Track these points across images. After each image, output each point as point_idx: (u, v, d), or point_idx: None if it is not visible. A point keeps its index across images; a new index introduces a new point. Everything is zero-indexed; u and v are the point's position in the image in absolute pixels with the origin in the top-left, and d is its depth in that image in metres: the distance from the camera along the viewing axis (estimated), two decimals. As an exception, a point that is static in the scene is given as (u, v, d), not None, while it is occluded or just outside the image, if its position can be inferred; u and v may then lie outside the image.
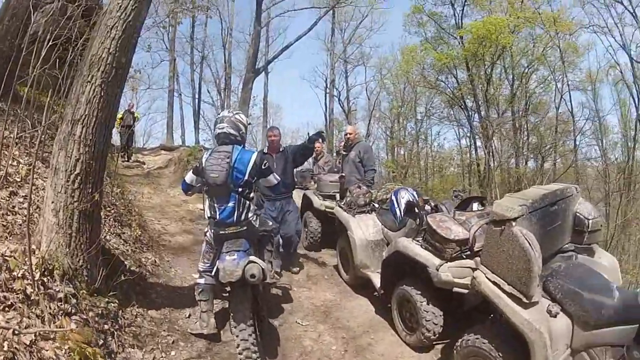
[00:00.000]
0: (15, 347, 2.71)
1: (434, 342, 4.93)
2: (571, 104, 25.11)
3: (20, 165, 5.61)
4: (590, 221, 4.53)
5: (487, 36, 22.81)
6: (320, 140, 7.32)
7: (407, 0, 41.72)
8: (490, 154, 22.32)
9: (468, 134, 29.19)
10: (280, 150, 7.13)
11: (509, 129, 24.61)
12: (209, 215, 4.54)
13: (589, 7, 24.81)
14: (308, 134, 6.78)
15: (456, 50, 26.69)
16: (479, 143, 26.61)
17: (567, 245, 4.53)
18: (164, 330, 4.82)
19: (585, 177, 23.53)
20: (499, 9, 25.91)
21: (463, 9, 27.62)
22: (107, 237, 5.95)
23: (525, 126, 25.69)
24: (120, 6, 4.32)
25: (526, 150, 25.08)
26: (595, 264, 4.38)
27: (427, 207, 5.74)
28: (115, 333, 4.09)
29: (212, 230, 4.56)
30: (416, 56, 28.96)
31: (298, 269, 7.27)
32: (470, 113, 27.35)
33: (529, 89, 25.97)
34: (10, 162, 5.26)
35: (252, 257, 4.16)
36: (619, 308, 3.43)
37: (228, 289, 4.42)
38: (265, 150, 7.29)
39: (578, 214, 4.58)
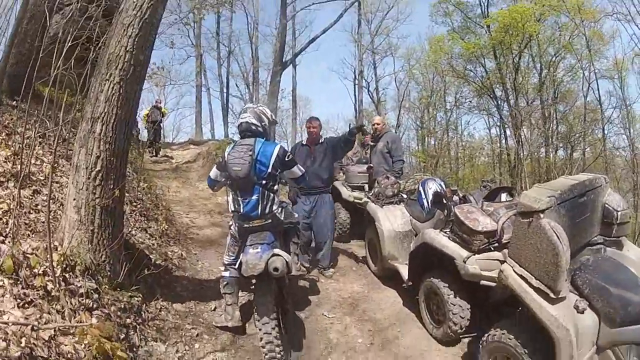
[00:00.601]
0: (34, 343, 2.73)
1: (461, 336, 4.85)
2: (599, 93, 24.50)
3: (44, 164, 5.72)
4: (619, 213, 4.42)
5: (514, 24, 22.72)
6: (361, 133, 7.11)
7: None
8: (520, 143, 22.04)
9: (498, 123, 28.96)
10: (320, 142, 6.83)
11: (538, 118, 24.22)
12: (232, 208, 4.52)
13: None
14: (349, 125, 6.67)
15: (483, 39, 26.52)
16: (508, 132, 26.41)
17: (595, 238, 4.43)
18: (189, 324, 4.83)
19: (614, 166, 23.01)
20: (524, -4, 25.61)
21: (489, -2, 27.34)
22: (133, 232, 6.03)
23: (554, 115, 25.34)
24: (136, 5, 4.35)
25: (555, 140, 24.66)
26: (624, 258, 4.28)
27: (455, 198, 5.67)
28: (138, 327, 4.11)
29: (237, 224, 4.56)
30: (444, 46, 28.83)
31: (332, 270, 6.90)
32: (499, 102, 27.10)
33: (557, 77, 25.61)
34: (33, 162, 5.36)
35: (276, 250, 4.13)
36: None
37: (253, 281, 4.38)
38: (304, 142, 7.02)
39: (607, 206, 4.47)
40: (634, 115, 24.28)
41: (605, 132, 23.77)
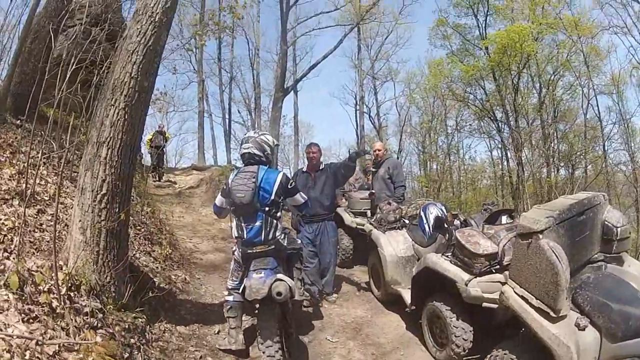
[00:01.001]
0: (38, 357, 2.75)
1: (464, 358, 4.81)
2: (598, 109, 24.61)
3: (49, 184, 5.76)
4: (619, 229, 4.41)
5: (511, 45, 22.72)
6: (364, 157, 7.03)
7: (431, 14, 41.61)
8: (521, 164, 22.02)
9: (499, 146, 28.91)
10: (320, 168, 6.75)
11: (538, 138, 24.20)
12: (236, 234, 4.56)
13: (608, 8, 24.40)
14: (349, 151, 6.67)
15: (482, 61, 26.57)
16: (510, 154, 26.33)
17: (596, 255, 4.43)
18: (192, 346, 4.84)
19: (615, 182, 22.87)
20: (521, 16, 25.76)
21: (486, 19, 27.52)
22: (137, 255, 6.05)
23: (555, 134, 25.30)
24: (140, 31, 4.44)
25: (556, 159, 24.59)
26: (625, 273, 4.27)
27: (456, 222, 5.69)
28: (142, 347, 4.11)
29: (240, 250, 4.60)
30: (443, 69, 28.91)
31: (335, 296, 6.90)
32: (499, 124, 27.05)
33: (557, 96, 25.63)
34: (38, 182, 5.40)
35: (279, 275, 4.17)
36: None
37: (257, 305, 4.41)
38: (305, 169, 6.96)
39: (606, 223, 4.47)
40: (634, 128, 24.34)
41: (606, 148, 23.74)
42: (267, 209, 4.43)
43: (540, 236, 3.57)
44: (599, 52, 24.88)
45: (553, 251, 3.44)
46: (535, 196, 21.57)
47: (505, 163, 28.41)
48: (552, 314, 3.44)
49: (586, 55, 23.50)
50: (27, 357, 2.66)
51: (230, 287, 4.85)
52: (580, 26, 23.22)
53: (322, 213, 6.59)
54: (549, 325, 3.45)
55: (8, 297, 3.15)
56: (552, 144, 24.81)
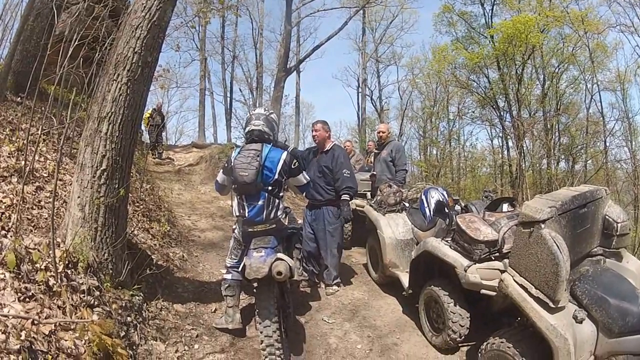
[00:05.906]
0: (34, 337, 2.74)
1: (460, 344, 4.85)
2: (601, 105, 24.27)
3: (48, 161, 5.73)
4: (619, 225, 4.40)
5: (517, 35, 22.61)
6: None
7: (437, 0, 41.30)
8: (522, 154, 21.93)
9: (500, 134, 28.79)
10: (326, 149, 6.35)
11: (540, 130, 24.04)
12: (237, 213, 4.53)
13: (615, 5, 24.03)
14: (344, 209, 6.23)
15: (487, 49, 26.42)
16: (510, 143, 26.29)
17: (595, 249, 4.42)
18: (189, 324, 4.86)
19: (615, 179, 22.71)
20: (528, 8, 25.53)
21: (492, 8, 27.47)
22: (135, 232, 6.02)
23: (557, 127, 25.12)
24: (145, 6, 4.39)
25: (557, 151, 24.48)
26: (623, 269, 4.29)
27: (457, 207, 5.68)
28: (138, 325, 4.13)
29: (241, 228, 4.58)
30: (447, 56, 28.64)
31: (335, 288, 6.39)
32: (502, 113, 26.97)
33: (560, 89, 25.47)
34: (37, 158, 5.37)
35: (279, 255, 4.15)
36: None
37: (255, 285, 4.36)
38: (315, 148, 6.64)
39: (607, 217, 4.46)
40: (636, 127, 24.20)
41: (607, 144, 23.48)
42: (269, 188, 4.43)
43: (542, 226, 3.54)
44: (605, 48, 24.69)
45: (554, 241, 3.42)
46: (535, 186, 21.55)
47: (505, 152, 28.36)
48: (551, 304, 3.44)
49: (592, 51, 23.31)
50: (22, 337, 2.65)
51: (228, 265, 4.87)
52: (587, 21, 22.99)
53: (318, 199, 6.29)
54: (547, 315, 3.45)
55: (5, 276, 3.15)
56: (554, 136, 24.70)
